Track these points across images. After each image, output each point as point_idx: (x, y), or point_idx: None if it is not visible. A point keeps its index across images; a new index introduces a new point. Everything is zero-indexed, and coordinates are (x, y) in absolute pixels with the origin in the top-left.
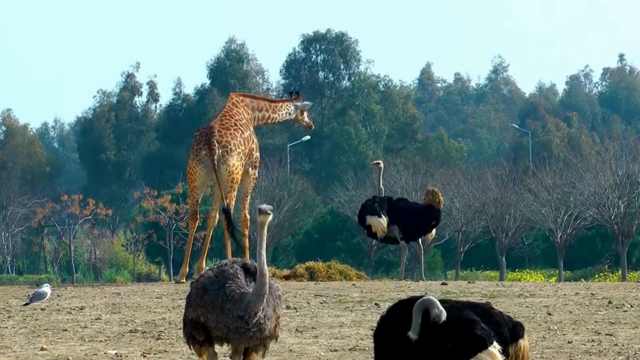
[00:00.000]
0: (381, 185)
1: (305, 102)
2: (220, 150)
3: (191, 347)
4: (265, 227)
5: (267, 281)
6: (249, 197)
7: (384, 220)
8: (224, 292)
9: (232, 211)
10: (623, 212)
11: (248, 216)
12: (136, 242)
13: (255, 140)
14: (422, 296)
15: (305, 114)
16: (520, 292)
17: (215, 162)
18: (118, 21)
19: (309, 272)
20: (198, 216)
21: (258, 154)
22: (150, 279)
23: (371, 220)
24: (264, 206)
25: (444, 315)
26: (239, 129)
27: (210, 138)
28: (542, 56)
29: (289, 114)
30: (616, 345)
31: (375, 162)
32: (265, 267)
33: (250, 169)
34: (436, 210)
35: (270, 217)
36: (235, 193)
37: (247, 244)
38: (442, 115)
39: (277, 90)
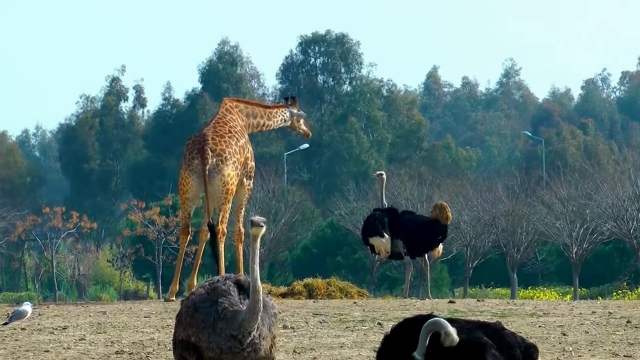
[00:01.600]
0: (384, 198)
1: (300, 112)
2: (215, 160)
3: None
4: (259, 241)
5: (261, 298)
6: (244, 209)
7: (386, 240)
8: (216, 310)
9: (222, 226)
10: None
11: (242, 229)
12: (123, 257)
13: (251, 148)
14: (429, 315)
15: (302, 120)
16: (533, 310)
17: (208, 172)
18: (102, 21)
19: (308, 290)
20: (190, 230)
21: (253, 163)
22: (138, 297)
23: (373, 241)
24: (257, 218)
25: (455, 339)
26: (234, 136)
27: (204, 146)
28: (556, 59)
29: (285, 120)
30: None
31: (378, 172)
32: (259, 283)
33: (245, 180)
34: (443, 225)
35: (264, 230)
36: (230, 205)
37: (241, 259)
38: (450, 122)
39: (273, 95)
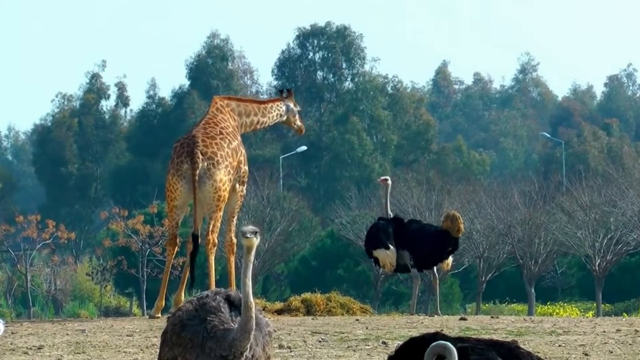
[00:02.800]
0: (389, 206)
1: (296, 107)
2: (206, 163)
3: None
4: (253, 253)
5: (253, 315)
6: (236, 217)
7: (392, 252)
8: (205, 328)
9: (213, 236)
10: None
11: (234, 240)
12: (103, 270)
13: (244, 151)
14: (436, 334)
15: (297, 116)
16: (552, 328)
17: (199, 177)
18: (80, 12)
19: (306, 306)
20: (177, 241)
21: (246, 168)
22: (120, 314)
23: (377, 253)
24: (249, 228)
25: None
26: (226, 138)
27: (194, 149)
28: (577, 53)
29: (280, 115)
30: None
31: (382, 178)
32: (251, 299)
33: (237, 185)
34: (453, 237)
35: (257, 241)
36: (222, 213)
37: (233, 272)
38: (461, 123)
39: (268, 92)
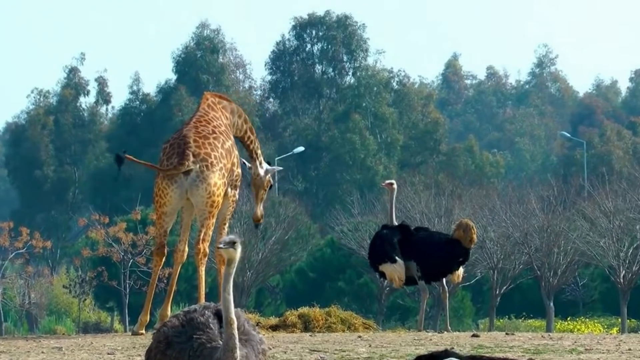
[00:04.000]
0: (394, 212)
1: (275, 167)
2: (199, 165)
3: None
4: (233, 266)
5: (235, 333)
6: (227, 225)
7: (400, 266)
8: (192, 346)
9: (204, 245)
10: None
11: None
12: (82, 282)
13: (237, 152)
14: (446, 351)
15: (269, 176)
16: (573, 346)
17: (191, 180)
18: (57, 1)
19: (303, 321)
20: (165, 250)
21: (240, 170)
22: (100, 330)
23: (384, 268)
24: (230, 237)
25: None
26: (220, 137)
27: (185, 150)
28: (600, 45)
29: (260, 164)
30: None
31: (387, 182)
32: (232, 315)
33: (229, 190)
34: (465, 248)
35: (236, 252)
36: (214, 220)
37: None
38: (472, 121)
39: (262, 88)
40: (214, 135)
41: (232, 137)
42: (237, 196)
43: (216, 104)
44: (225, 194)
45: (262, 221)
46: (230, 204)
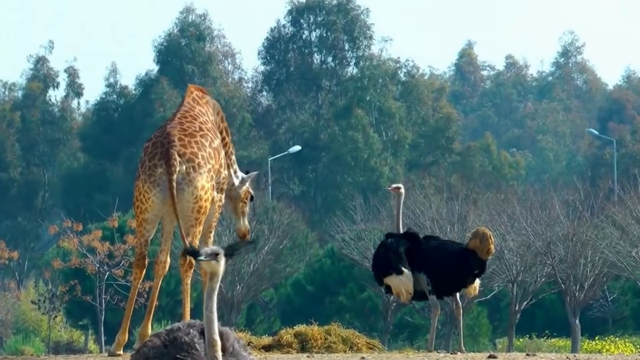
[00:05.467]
0: (401, 219)
1: (251, 173)
2: (185, 167)
3: None
4: (217, 279)
5: (219, 355)
6: (213, 232)
7: (406, 278)
8: None
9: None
10: None
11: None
12: (52, 297)
13: (222, 152)
14: None
15: (247, 185)
16: None
17: (176, 183)
18: None
19: (300, 341)
20: (146, 261)
21: (226, 172)
22: (73, 350)
23: (390, 280)
24: (212, 248)
25: None
26: (207, 135)
27: (169, 149)
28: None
29: (235, 173)
30: None
31: (394, 186)
32: (216, 335)
33: (216, 194)
34: (481, 259)
35: (222, 264)
36: (202, 228)
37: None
38: (489, 116)
39: (254, 80)
40: (201, 132)
41: (219, 136)
42: (223, 200)
43: (201, 98)
44: (212, 198)
45: (248, 237)
46: (216, 209)
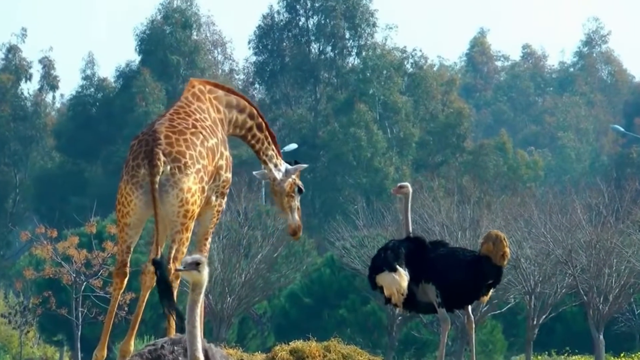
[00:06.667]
0: (410, 223)
1: (300, 165)
2: (169, 167)
3: None
4: (199, 290)
5: None
6: (209, 240)
7: (401, 277)
8: None
9: (177, 264)
10: None
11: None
12: (24, 310)
13: (227, 153)
14: None
15: (293, 178)
16: None
17: (159, 185)
18: None
19: (296, 358)
20: (128, 270)
21: (229, 175)
22: None
23: (382, 279)
24: (193, 257)
25: None
26: (199, 133)
27: (153, 148)
28: None
29: (276, 166)
30: None
31: (399, 185)
32: (199, 353)
33: (213, 197)
34: (496, 265)
35: (205, 275)
36: (189, 234)
37: (202, 313)
38: (505, 111)
39: (245, 71)
40: (193, 130)
41: (220, 134)
42: (223, 205)
43: (205, 93)
44: (208, 202)
45: (299, 234)
46: (214, 214)
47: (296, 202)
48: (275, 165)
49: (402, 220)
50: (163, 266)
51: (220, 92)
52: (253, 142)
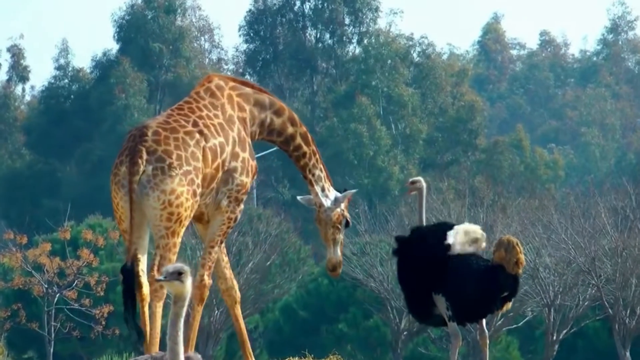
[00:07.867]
0: (424, 222)
1: (349, 191)
2: (152, 167)
3: None
4: (182, 303)
5: None
6: (216, 248)
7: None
8: None
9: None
10: None
11: (209, 281)
12: None
13: (244, 155)
14: None
15: (342, 208)
16: None
17: (139, 185)
18: None
19: None
20: (143, 281)
21: (245, 179)
22: None
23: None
24: (175, 266)
25: None
26: (198, 132)
27: (137, 145)
28: None
29: (323, 190)
30: None
31: (410, 181)
32: None
33: (224, 202)
34: (511, 274)
35: (188, 285)
36: (177, 240)
37: (195, 327)
38: (521, 105)
39: (235, 60)
40: (188, 129)
41: (234, 134)
42: (237, 212)
43: (223, 89)
44: (219, 207)
45: (339, 271)
46: (224, 222)
47: (341, 236)
48: (323, 190)
49: (417, 217)
50: (132, 275)
51: (248, 90)
52: (297, 154)
